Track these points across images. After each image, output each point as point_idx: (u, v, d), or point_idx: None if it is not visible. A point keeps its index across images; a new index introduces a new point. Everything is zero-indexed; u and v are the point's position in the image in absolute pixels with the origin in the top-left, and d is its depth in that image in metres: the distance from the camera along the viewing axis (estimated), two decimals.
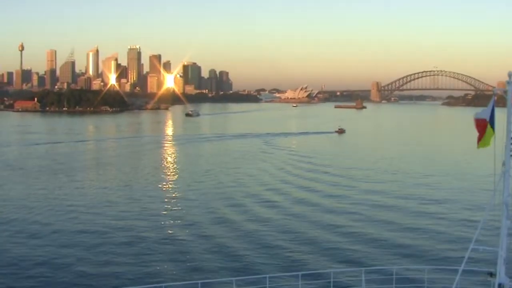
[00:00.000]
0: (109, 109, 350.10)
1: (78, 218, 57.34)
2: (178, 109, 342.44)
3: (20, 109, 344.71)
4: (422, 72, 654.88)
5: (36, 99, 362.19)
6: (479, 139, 14.68)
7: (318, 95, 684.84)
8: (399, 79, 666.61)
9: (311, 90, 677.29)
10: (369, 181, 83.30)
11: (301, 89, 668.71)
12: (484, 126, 14.62)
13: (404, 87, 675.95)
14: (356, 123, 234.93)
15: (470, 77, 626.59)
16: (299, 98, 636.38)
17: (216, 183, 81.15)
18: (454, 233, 50.99)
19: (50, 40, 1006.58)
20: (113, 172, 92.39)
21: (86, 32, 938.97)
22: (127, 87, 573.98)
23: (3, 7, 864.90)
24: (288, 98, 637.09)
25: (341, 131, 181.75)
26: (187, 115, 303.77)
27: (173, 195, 73.19)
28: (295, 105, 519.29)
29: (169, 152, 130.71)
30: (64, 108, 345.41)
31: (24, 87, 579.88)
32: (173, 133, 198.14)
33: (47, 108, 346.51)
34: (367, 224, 55.34)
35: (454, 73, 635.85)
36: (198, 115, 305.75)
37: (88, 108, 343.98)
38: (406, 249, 46.39)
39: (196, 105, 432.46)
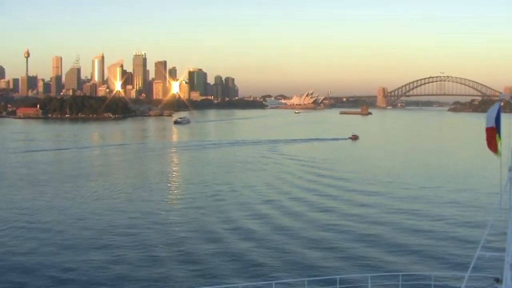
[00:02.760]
0: (111, 115, 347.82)
1: (84, 225, 57.53)
2: (182, 115, 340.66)
3: (22, 116, 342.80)
4: (429, 77, 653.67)
5: (38, 105, 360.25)
6: (494, 146, 14.54)
7: (324, 101, 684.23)
8: (405, 85, 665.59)
9: (317, 96, 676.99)
10: (375, 185, 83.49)
11: (307, 95, 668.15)
12: (493, 134, 14.55)
13: (411, 92, 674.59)
14: (364, 130, 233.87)
15: (476, 82, 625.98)
16: (305, 104, 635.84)
17: (232, 190, 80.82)
18: (460, 238, 50.86)
19: (56, 46, 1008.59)
20: (100, 182, 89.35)
21: (92, 39, 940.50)
22: (133, 94, 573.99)
23: (9, 14, 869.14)
24: (294, 104, 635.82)
25: (354, 138, 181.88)
26: (176, 122, 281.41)
27: (177, 201, 73.42)
28: (297, 111, 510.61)
29: (166, 160, 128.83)
30: (66, 115, 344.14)
31: (30, 93, 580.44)
32: (170, 140, 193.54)
33: (49, 115, 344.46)
34: (373, 228, 55.30)
35: (460, 78, 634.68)
36: (188, 122, 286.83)
37: (91, 115, 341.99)
38: (413, 254, 46.31)
39: (201, 112, 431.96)
